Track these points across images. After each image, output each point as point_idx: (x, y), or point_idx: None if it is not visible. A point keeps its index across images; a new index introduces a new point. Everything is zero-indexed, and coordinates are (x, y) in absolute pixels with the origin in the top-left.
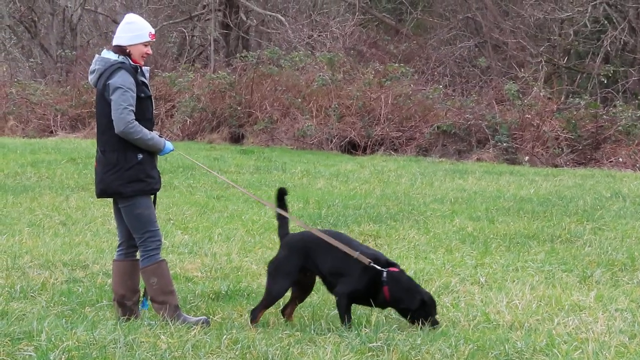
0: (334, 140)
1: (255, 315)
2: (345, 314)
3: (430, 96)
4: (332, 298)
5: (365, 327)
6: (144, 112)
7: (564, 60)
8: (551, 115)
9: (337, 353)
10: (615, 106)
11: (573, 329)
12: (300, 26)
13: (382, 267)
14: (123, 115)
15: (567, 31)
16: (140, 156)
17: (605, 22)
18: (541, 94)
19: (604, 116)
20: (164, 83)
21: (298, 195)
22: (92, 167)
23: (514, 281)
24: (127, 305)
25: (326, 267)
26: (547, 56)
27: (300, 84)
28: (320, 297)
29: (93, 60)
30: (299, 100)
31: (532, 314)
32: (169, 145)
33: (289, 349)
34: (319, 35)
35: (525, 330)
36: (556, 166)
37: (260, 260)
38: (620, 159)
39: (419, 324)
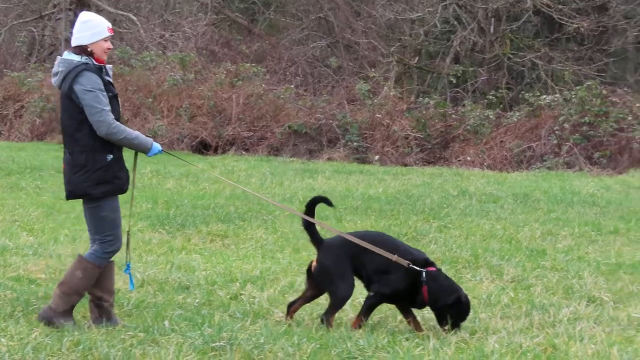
0: (185, 140)
1: (328, 320)
2: (368, 310)
3: (282, 96)
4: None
5: (208, 326)
6: (111, 112)
7: (414, 60)
8: (401, 115)
9: (179, 353)
10: (464, 106)
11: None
12: (152, 26)
13: (420, 267)
14: (103, 117)
15: (417, 31)
16: (109, 157)
17: (455, 22)
18: (391, 93)
19: (453, 115)
20: (13, 83)
21: (147, 195)
22: None
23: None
24: (104, 307)
25: (373, 266)
26: (398, 56)
27: (151, 83)
28: (165, 297)
29: (55, 62)
30: (150, 100)
31: (375, 311)
32: (157, 145)
33: (131, 350)
34: (171, 35)
35: (368, 327)
36: (406, 165)
37: None
38: (469, 158)
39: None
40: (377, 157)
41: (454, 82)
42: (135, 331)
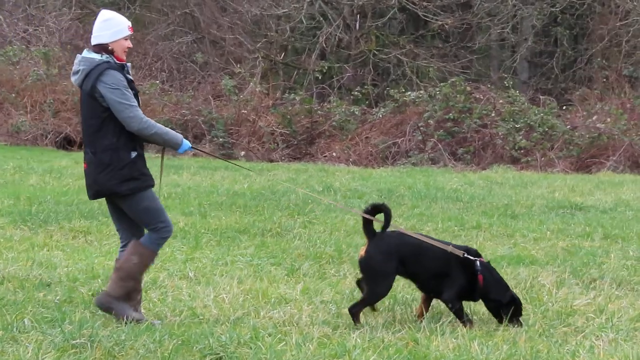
0: (49, 136)
1: (356, 314)
2: (462, 315)
3: (147, 91)
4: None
5: (68, 323)
6: None
7: (280, 56)
8: (267, 111)
9: (39, 351)
10: (329, 102)
11: (278, 321)
12: (16, 20)
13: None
14: (133, 113)
15: (283, 27)
16: (133, 154)
17: (321, 18)
18: (257, 89)
19: (319, 112)
20: None
21: (9, 192)
22: None
23: (222, 275)
24: (136, 299)
25: (425, 271)
26: (264, 52)
27: (14, 78)
28: (25, 294)
29: (76, 61)
30: (13, 95)
31: (238, 307)
32: (187, 142)
33: None
34: (35, 30)
35: (230, 323)
36: (272, 161)
37: None
38: (334, 154)
39: (507, 320)
40: (242, 153)
41: (320, 78)
42: None
